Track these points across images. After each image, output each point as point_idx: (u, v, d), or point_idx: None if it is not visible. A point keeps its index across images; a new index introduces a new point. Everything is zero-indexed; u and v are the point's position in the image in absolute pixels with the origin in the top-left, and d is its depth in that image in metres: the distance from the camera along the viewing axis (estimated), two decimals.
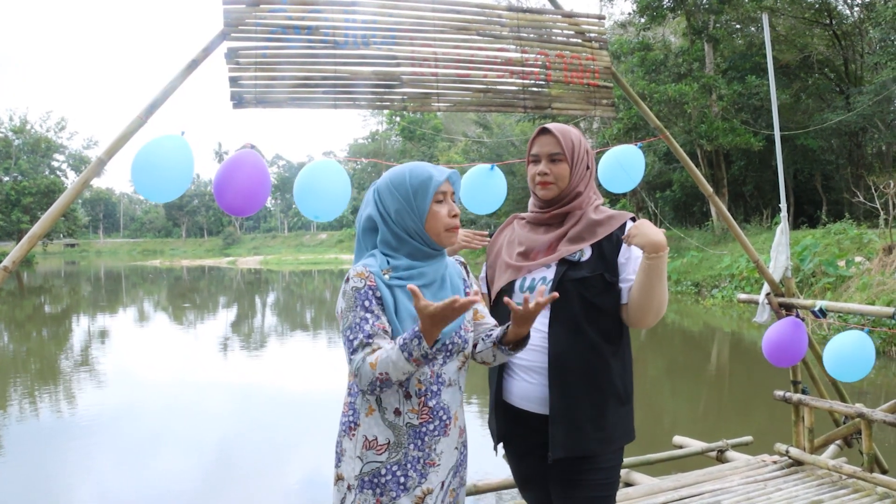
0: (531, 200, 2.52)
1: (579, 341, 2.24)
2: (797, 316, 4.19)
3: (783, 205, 4.57)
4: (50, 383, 11.06)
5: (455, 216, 2.06)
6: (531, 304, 1.89)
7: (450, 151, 47.74)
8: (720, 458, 5.06)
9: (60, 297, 31.06)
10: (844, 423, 4.59)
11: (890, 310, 3.84)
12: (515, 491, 4.10)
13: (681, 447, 5.35)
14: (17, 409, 9.26)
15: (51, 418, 8.76)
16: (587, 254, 2.30)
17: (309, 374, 11.53)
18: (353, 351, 1.89)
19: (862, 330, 3.94)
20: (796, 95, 28.31)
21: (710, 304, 18.96)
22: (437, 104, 3.54)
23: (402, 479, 1.96)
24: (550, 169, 2.36)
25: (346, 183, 3.36)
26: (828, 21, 28.79)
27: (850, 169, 28.09)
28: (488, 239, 2.55)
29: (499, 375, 2.38)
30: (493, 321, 2.23)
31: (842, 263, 15.55)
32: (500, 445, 2.50)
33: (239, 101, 3.18)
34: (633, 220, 2.35)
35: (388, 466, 1.95)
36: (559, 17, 3.89)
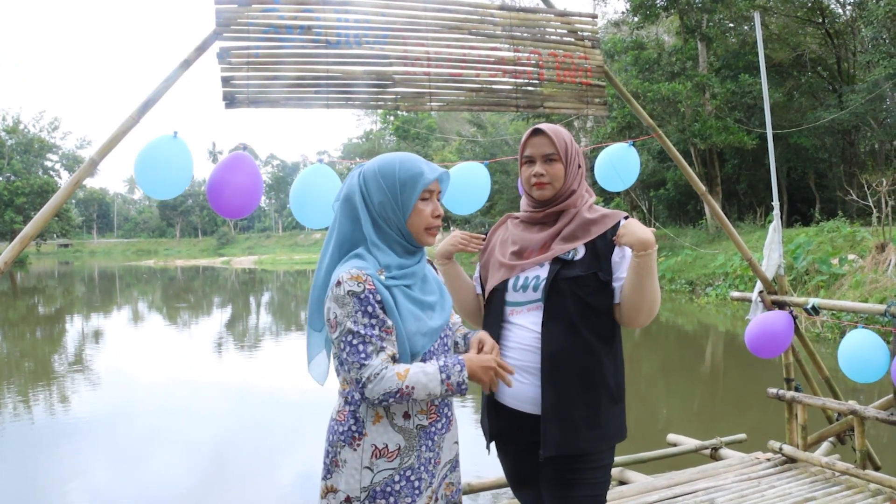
0: (524, 200, 2.52)
1: (573, 340, 2.24)
2: (791, 313, 4.21)
3: (776, 203, 4.58)
4: (43, 384, 11.02)
5: (438, 216, 2.04)
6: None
7: (444, 150, 47.74)
8: (714, 456, 5.07)
9: (54, 297, 30.97)
10: (837, 420, 4.61)
11: (882, 307, 3.85)
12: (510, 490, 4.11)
13: (675, 445, 5.36)
14: (11, 409, 9.22)
15: (44, 419, 8.73)
16: (581, 252, 2.30)
17: (303, 375, 11.49)
18: (365, 356, 1.82)
19: (856, 327, 3.96)
20: (789, 94, 28.38)
21: (705, 303, 19.00)
22: (429, 103, 3.54)
23: (415, 483, 1.93)
24: (546, 170, 2.36)
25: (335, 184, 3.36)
26: (820, 20, 28.86)
27: (843, 167, 28.18)
28: (483, 242, 2.54)
29: None
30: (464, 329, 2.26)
31: (835, 261, 15.60)
32: (493, 444, 2.50)
33: (231, 101, 3.17)
34: (627, 219, 2.35)
35: (402, 472, 1.91)
36: (552, 15, 3.90)
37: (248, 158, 3.18)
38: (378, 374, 1.81)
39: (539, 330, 2.27)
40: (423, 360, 1.95)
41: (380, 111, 56.58)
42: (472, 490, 4.39)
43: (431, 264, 2.25)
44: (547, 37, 3.84)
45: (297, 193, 3.38)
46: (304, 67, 3.28)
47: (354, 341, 1.83)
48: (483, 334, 2.15)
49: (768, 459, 4.57)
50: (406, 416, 1.92)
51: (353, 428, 1.92)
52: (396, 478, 1.90)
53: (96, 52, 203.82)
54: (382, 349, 1.84)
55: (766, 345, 4.12)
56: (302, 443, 7.40)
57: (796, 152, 27.99)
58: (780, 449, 4.55)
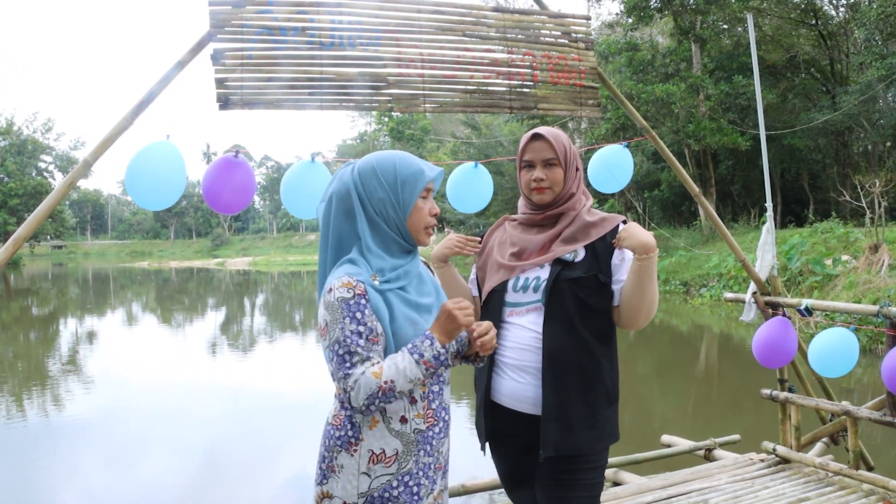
0: (522, 203, 2.53)
1: (573, 341, 2.26)
2: (783, 315, 4.22)
3: (769, 204, 4.59)
4: (37, 385, 10.99)
5: (434, 215, 2.02)
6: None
7: (438, 152, 47.77)
8: (708, 457, 5.08)
9: (48, 299, 30.87)
10: (831, 420, 4.62)
11: (875, 308, 3.87)
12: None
13: (669, 446, 5.37)
14: (4, 411, 9.19)
15: (38, 420, 8.71)
16: (581, 254, 2.32)
17: (297, 376, 11.50)
18: (350, 366, 1.78)
19: (848, 328, 3.97)
20: (783, 95, 28.46)
21: (699, 304, 19.04)
22: (424, 105, 3.54)
23: (414, 489, 1.90)
24: (546, 174, 2.37)
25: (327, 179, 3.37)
26: (814, 21, 28.97)
27: (836, 168, 28.26)
28: (479, 245, 2.54)
29: (488, 375, 2.37)
30: None
31: (829, 262, 15.65)
32: (487, 445, 2.49)
33: (225, 103, 3.17)
34: (625, 222, 2.37)
35: (400, 477, 1.87)
36: (545, 17, 3.90)
37: (238, 161, 3.18)
38: (356, 380, 1.77)
39: (538, 330, 2.28)
40: None
41: (374, 112, 56.60)
42: (467, 491, 4.39)
43: (428, 266, 2.22)
44: (541, 38, 3.85)
45: (288, 185, 3.38)
46: (299, 69, 3.28)
47: (340, 351, 1.79)
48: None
49: (762, 460, 4.58)
50: (403, 420, 1.89)
51: (350, 433, 1.89)
52: (395, 483, 1.87)
53: (91, 52, 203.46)
54: (367, 359, 1.80)
55: (774, 354, 4.13)
56: (296, 445, 7.39)
57: (790, 153, 28.09)
58: (774, 450, 4.56)
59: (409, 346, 1.83)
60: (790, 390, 4.59)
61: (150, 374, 11.70)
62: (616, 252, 2.33)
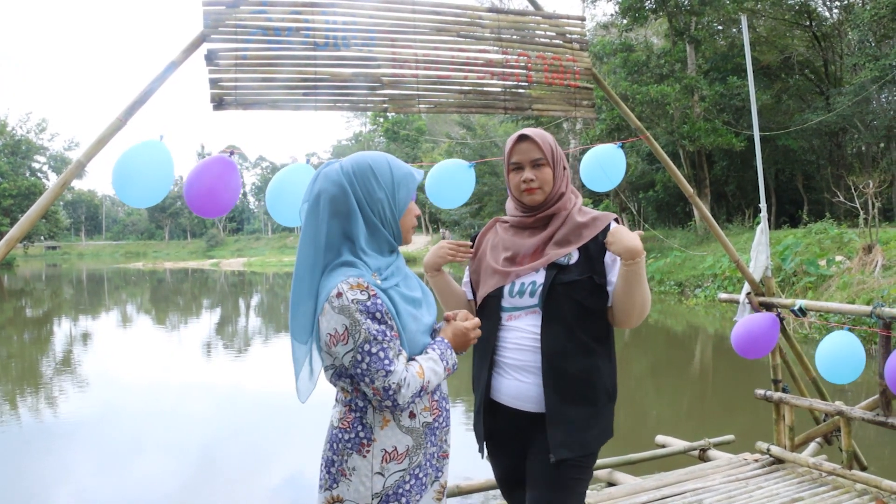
0: (511, 205, 2.52)
1: (572, 343, 2.27)
2: (778, 315, 4.23)
3: (763, 205, 4.60)
4: (31, 387, 10.95)
5: (417, 216, 2.10)
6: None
7: (433, 153, 47.78)
8: (702, 457, 5.09)
9: (42, 300, 30.79)
10: (824, 420, 4.63)
11: (868, 308, 3.88)
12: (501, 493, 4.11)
13: (664, 446, 5.38)
14: None
15: (31, 422, 8.68)
16: (574, 257, 2.32)
17: (291, 377, 11.46)
18: (389, 362, 1.80)
19: (842, 329, 3.98)
20: (777, 96, 28.57)
21: (693, 304, 19.06)
22: (418, 106, 3.54)
23: (423, 479, 1.94)
24: (535, 175, 2.37)
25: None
26: (808, 23, 29.08)
27: (830, 169, 28.38)
28: (471, 251, 2.53)
29: (488, 375, 2.37)
30: None
31: (823, 263, 15.69)
32: (485, 447, 2.49)
33: (219, 103, 3.16)
34: (616, 220, 2.38)
35: (412, 471, 1.91)
36: (540, 18, 3.90)
37: (226, 161, 3.15)
38: (405, 378, 1.82)
39: (536, 330, 2.29)
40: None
41: (370, 113, 56.59)
42: (462, 492, 4.39)
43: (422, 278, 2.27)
44: (535, 39, 3.85)
45: (273, 191, 3.35)
46: (293, 69, 3.27)
47: (374, 349, 1.80)
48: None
49: (756, 460, 4.59)
50: (412, 415, 1.92)
51: (361, 434, 1.89)
52: (407, 477, 1.90)
53: (85, 52, 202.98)
54: (400, 352, 1.86)
55: (752, 346, 4.15)
56: (290, 446, 7.38)
57: (784, 154, 28.18)
58: (768, 450, 4.57)
59: (439, 352, 1.95)
60: (784, 391, 4.60)
61: (144, 375, 11.67)
62: (608, 251, 2.33)
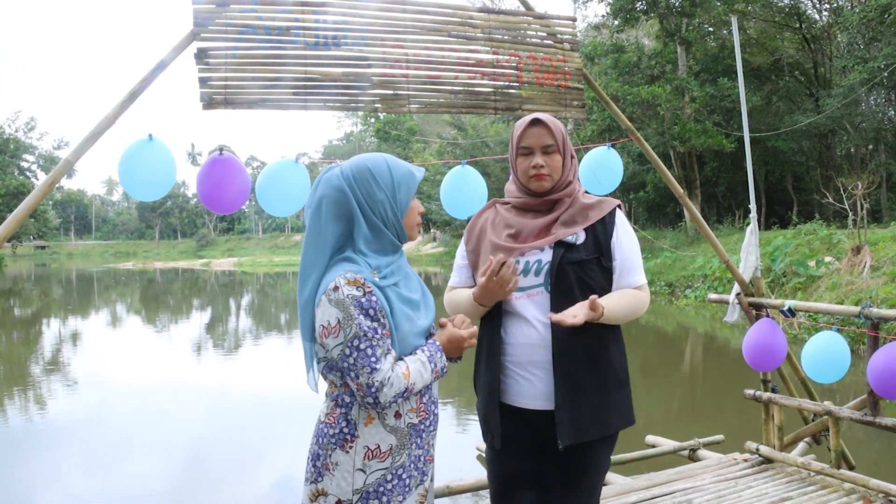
0: (512, 188, 2.46)
1: (581, 327, 2.17)
2: (766, 315, 4.24)
3: (752, 206, 4.62)
4: (18, 387, 10.89)
5: (421, 213, 2.09)
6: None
7: (424, 153, 47.76)
8: (692, 457, 5.11)
9: (30, 300, 30.61)
10: (813, 420, 4.65)
11: (857, 309, 3.90)
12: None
13: (653, 446, 5.39)
14: None
15: (19, 422, 8.63)
16: (582, 237, 2.29)
17: (282, 377, 11.45)
18: (375, 360, 1.82)
19: (831, 329, 4.00)
20: (767, 98, 28.69)
21: (684, 305, 19.11)
22: (408, 106, 3.54)
23: (406, 481, 1.94)
24: (545, 161, 2.32)
25: (305, 178, 3.33)
26: (798, 25, 29.23)
27: (819, 170, 28.54)
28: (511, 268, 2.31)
29: (494, 377, 2.30)
30: None
31: (812, 263, 15.75)
32: (489, 448, 2.42)
33: (209, 102, 3.15)
34: (620, 207, 2.39)
35: (394, 471, 1.92)
36: (531, 18, 3.91)
37: (231, 158, 3.17)
38: (389, 378, 1.83)
39: (542, 320, 2.23)
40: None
41: (361, 113, 56.47)
42: (452, 492, 4.39)
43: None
44: (526, 39, 3.86)
45: (263, 183, 3.35)
46: (282, 68, 3.27)
47: (362, 345, 1.82)
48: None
49: (745, 460, 4.60)
50: (397, 415, 1.93)
51: (345, 430, 1.91)
52: (389, 477, 1.91)
53: (74, 51, 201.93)
54: (389, 351, 1.86)
55: (766, 358, 4.14)
56: (280, 446, 7.36)
57: (774, 156, 28.31)
58: (757, 449, 4.59)
59: (427, 354, 1.94)
60: (773, 391, 4.62)
61: (134, 375, 11.62)
62: (612, 235, 2.31)
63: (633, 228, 2.48)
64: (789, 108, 29.27)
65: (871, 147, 26.96)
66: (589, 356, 2.24)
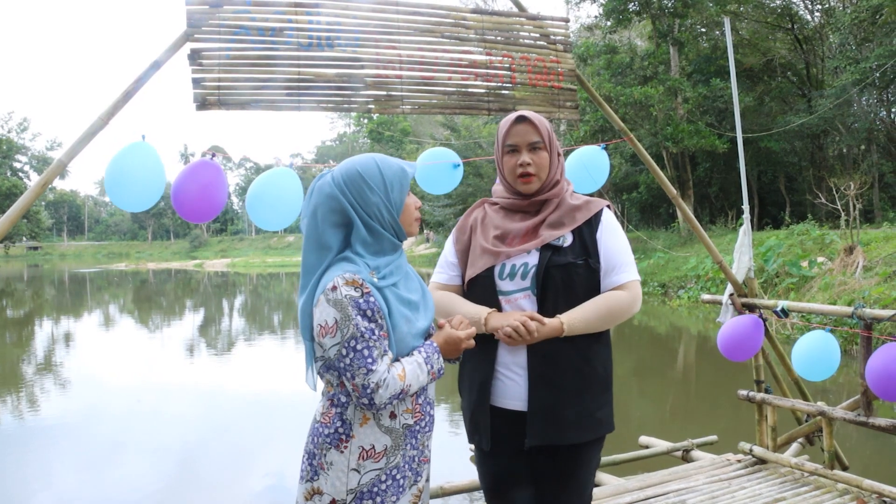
0: (500, 189, 2.45)
1: None
2: (760, 316, 4.25)
3: (745, 206, 4.62)
4: (11, 387, 10.84)
5: (419, 208, 2.09)
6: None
7: (418, 153, 47.77)
8: (686, 458, 5.10)
9: (23, 300, 30.48)
10: (806, 421, 4.65)
11: (850, 309, 3.90)
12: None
13: (647, 447, 5.39)
14: None
15: (11, 423, 8.59)
16: (569, 239, 2.28)
17: (275, 377, 11.43)
18: (372, 361, 1.82)
19: (823, 329, 4.00)
20: (760, 98, 28.76)
21: (677, 305, 19.15)
22: (402, 107, 3.53)
23: (401, 481, 1.94)
24: (532, 159, 2.30)
25: (297, 191, 3.31)
26: (790, 26, 29.32)
27: (812, 171, 28.63)
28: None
29: (483, 378, 2.30)
30: None
31: (805, 264, 15.79)
32: (473, 447, 2.42)
33: (202, 103, 3.14)
34: (609, 207, 2.38)
35: (389, 471, 1.92)
36: (524, 19, 3.91)
37: (212, 165, 3.13)
38: (384, 379, 1.83)
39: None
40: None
41: (354, 114, 56.47)
42: (445, 493, 4.38)
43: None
44: (519, 40, 3.85)
45: (253, 196, 3.32)
46: (276, 69, 3.26)
47: (359, 346, 1.82)
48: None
49: (739, 461, 4.61)
50: (392, 416, 1.93)
51: (340, 430, 1.91)
52: (383, 477, 1.91)
53: (68, 52, 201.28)
54: (385, 353, 1.86)
55: (738, 348, 4.16)
56: (273, 446, 7.35)
57: (767, 156, 28.40)
58: (751, 450, 4.59)
59: (424, 356, 1.94)
60: (767, 391, 4.63)
61: (127, 376, 11.58)
62: (597, 235, 2.30)
63: (627, 229, 2.48)
64: (782, 109, 29.35)
65: (863, 147, 27.06)
66: (572, 356, 2.23)
